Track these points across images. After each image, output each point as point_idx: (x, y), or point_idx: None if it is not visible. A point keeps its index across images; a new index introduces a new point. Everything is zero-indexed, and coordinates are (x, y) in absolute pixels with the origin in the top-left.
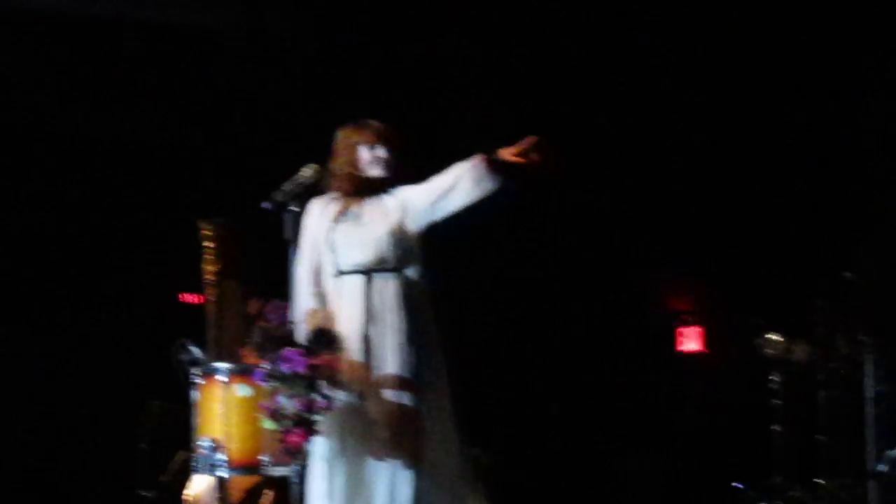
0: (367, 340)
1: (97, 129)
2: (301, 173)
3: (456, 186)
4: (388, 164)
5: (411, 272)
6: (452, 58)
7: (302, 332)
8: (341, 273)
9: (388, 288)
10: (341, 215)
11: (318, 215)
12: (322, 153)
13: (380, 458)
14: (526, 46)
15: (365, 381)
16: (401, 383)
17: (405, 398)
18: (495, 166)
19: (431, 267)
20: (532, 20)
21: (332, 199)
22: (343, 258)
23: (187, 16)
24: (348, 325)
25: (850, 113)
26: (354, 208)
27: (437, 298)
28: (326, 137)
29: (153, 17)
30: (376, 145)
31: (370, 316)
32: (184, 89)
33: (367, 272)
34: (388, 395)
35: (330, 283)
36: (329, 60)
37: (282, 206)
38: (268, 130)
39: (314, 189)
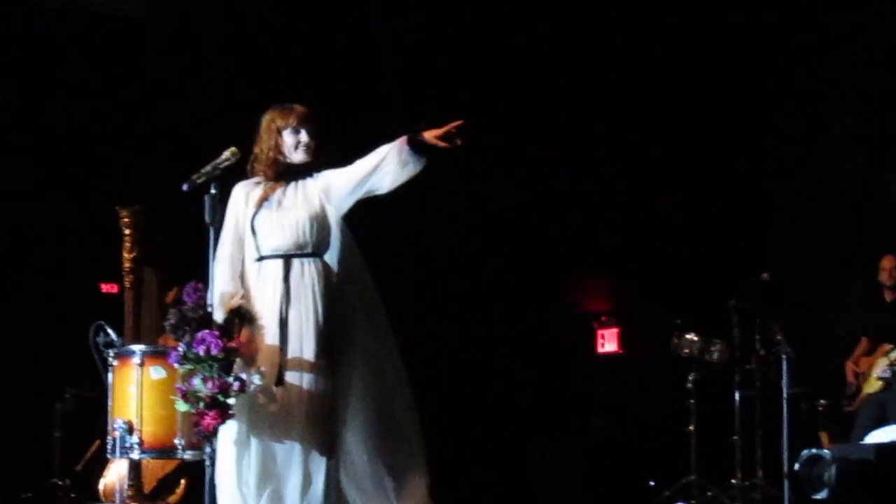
0: (284, 324)
1: (16, 112)
2: (221, 157)
3: (379, 168)
4: (311, 149)
5: (332, 256)
6: (375, 39)
7: (218, 314)
8: (262, 258)
9: (306, 272)
10: (264, 200)
11: (242, 200)
12: (243, 137)
13: (293, 444)
14: (446, 32)
15: (281, 365)
16: (317, 367)
17: (321, 383)
18: (419, 148)
19: (359, 250)
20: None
21: (256, 183)
22: (263, 243)
23: (110, 3)
24: (267, 308)
25: (758, 113)
26: (277, 193)
27: (369, 282)
28: (247, 121)
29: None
30: (300, 129)
31: (288, 299)
32: (103, 73)
33: (286, 257)
34: (304, 379)
35: (250, 268)
36: (252, 44)
37: (201, 189)
38: (188, 114)
39: (234, 172)
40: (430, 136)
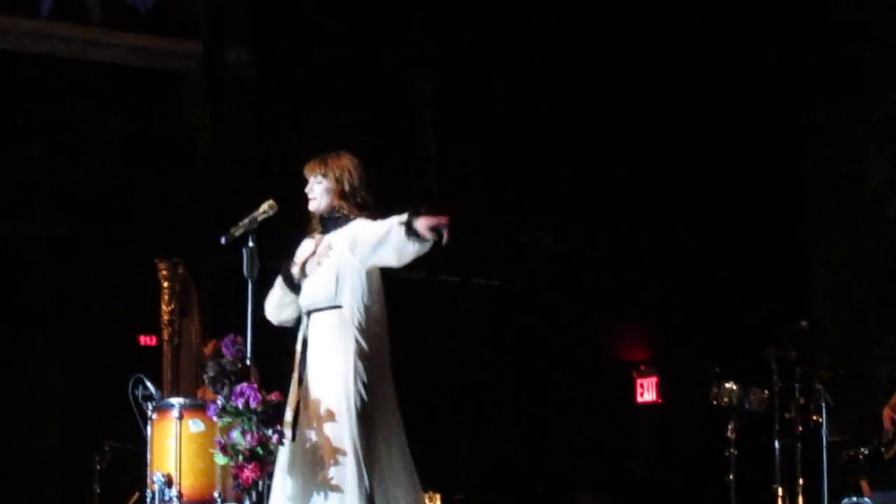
0: (300, 380)
1: (56, 165)
2: (259, 210)
3: (384, 243)
4: (314, 199)
5: (352, 306)
6: (411, 88)
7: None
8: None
9: (323, 324)
10: (310, 257)
11: (299, 254)
12: (280, 190)
13: (321, 492)
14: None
15: (294, 420)
16: (332, 416)
17: (336, 429)
18: (413, 233)
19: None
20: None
21: (313, 238)
22: (301, 301)
23: (150, 60)
24: (297, 358)
25: (796, 159)
26: (318, 249)
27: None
28: (284, 174)
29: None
30: (308, 178)
31: (304, 356)
32: (142, 127)
33: (308, 313)
34: (323, 428)
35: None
36: (290, 96)
37: (239, 242)
38: (226, 167)
39: (271, 225)
40: (422, 225)
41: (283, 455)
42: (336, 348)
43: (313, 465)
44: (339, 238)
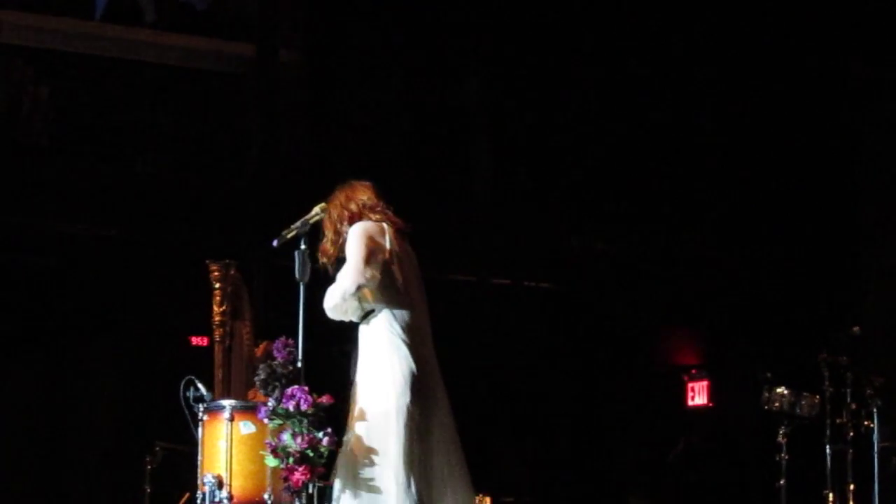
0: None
1: (110, 167)
2: (311, 213)
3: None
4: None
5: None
6: (459, 96)
7: None
8: None
9: (366, 331)
10: None
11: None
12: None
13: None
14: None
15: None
16: (377, 418)
17: (381, 432)
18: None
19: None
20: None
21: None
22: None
23: (203, 62)
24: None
25: (848, 166)
26: None
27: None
28: (336, 178)
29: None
30: None
31: (355, 361)
32: (194, 128)
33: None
34: (368, 430)
35: None
36: (341, 101)
37: (291, 244)
38: (278, 169)
39: (323, 228)
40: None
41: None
42: (380, 355)
43: (355, 467)
44: None
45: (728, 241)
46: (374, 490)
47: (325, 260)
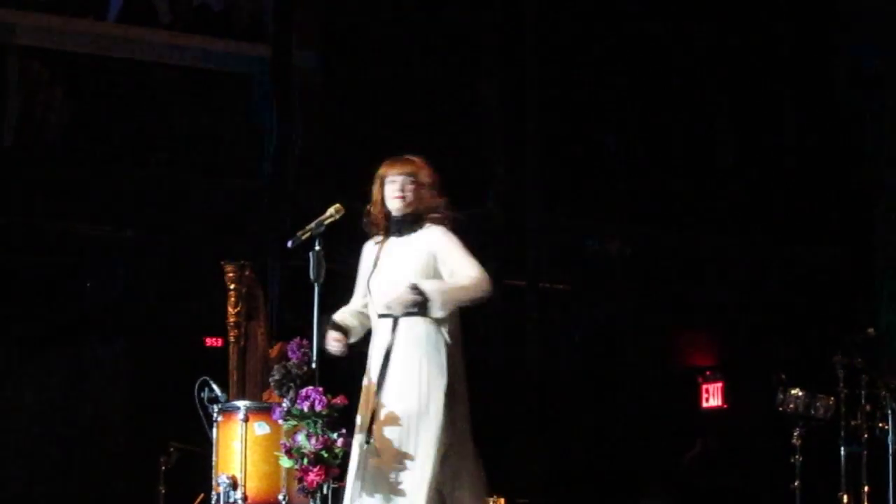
0: (382, 381)
1: (125, 167)
2: (326, 214)
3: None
4: (405, 198)
5: (434, 316)
6: (480, 94)
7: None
8: (379, 316)
9: (415, 329)
10: (378, 260)
11: (366, 258)
12: (347, 194)
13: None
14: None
15: (372, 424)
16: (411, 425)
17: (416, 441)
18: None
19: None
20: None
21: (376, 242)
22: (378, 302)
23: (218, 63)
24: (374, 364)
25: (864, 168)
26: (386, 250)
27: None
28: (351, 178)
29: (184, 62)
30: (395, 178)
31: (387, 360)
32: (208, 130)
33: (395, 317)
34: (396, 436)
35: (374, 323)
36: (357, 100)
37: (306, 245)
38: (293, 170)
39: (338, 229)
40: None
41: (354, 460)
42: (428, 356)
43: (386, 472)
44: (418, 243)
45: (743, 242)
46: (398, 493)
47: (402, 205)
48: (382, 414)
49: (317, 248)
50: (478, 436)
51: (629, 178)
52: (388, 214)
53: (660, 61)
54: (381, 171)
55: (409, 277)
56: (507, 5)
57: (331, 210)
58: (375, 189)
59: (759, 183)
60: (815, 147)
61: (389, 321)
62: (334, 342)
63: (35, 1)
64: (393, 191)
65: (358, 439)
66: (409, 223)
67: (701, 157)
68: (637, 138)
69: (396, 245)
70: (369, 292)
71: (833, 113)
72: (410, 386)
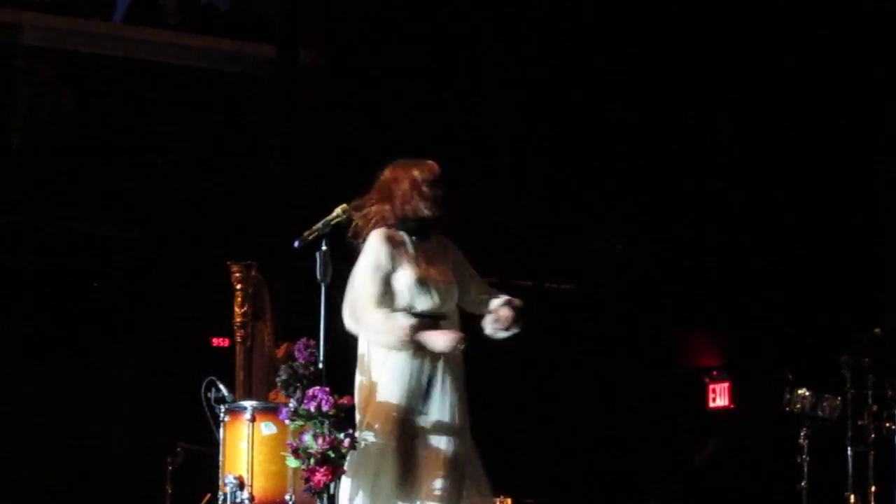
0: (430, 386)
1: (130, 168)
2: (332, 214)
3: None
4: (446, 204)
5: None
6: (483, 98)
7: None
8: (415, 315)
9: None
10: (416, 260)
11: (387, 255)
12: (353, 194)
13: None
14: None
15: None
16: (454, 430)
17: (455, 446)
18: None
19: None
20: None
21: (399, 240)
22: (417, 302)
23: (224, 63)
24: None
25: (869, 169)
26: (421, 251)
27: None
28: (358, 178)
29: (190, 62)
30: (439, 183)
31: (434, 363)
32: (215, 130)
33: (436, 317)
34: (443, 442)
35: None
36: (363, 101)
37: (312, 245)
38: (299, 170)
39: (345, 229)
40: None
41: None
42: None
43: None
44: (445, 249)
45: (749, 242)
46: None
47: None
48: (433, 424)
49: (323, 248)
50: (483, 435)
51: (637, 178)
52: (403, 215)
53: (660, 61)
54: (424, 173)
55: (450, 284)
56: (510, 5)
57: (337, 210)
58: (405, 187)
59: (767, 184)
60: (824, 149)
61: (449, 323)
62: (459, 340)
63: (41, 1)
64: (441, 195)
65: (380, 441)
66: (432, 227)
67: (709, 158)
68: (647, 138)
69: (426, 248)
70: (424, 290)
71: (833, 112)
72: (462, 400)
